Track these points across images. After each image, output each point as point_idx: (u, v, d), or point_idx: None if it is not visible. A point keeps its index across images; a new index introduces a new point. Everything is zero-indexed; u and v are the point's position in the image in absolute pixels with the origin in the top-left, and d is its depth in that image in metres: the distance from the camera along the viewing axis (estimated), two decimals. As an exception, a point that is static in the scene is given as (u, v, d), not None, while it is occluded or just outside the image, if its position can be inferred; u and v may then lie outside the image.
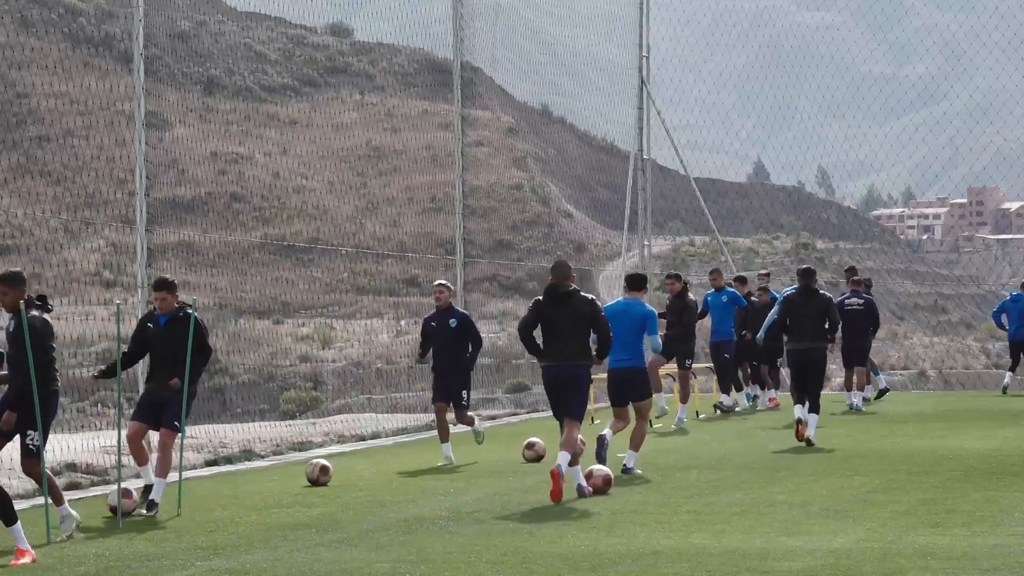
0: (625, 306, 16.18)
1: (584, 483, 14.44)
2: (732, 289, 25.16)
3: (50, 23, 63.45)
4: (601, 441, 15.65)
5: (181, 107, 52.42)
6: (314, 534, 12.32)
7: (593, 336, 14.71)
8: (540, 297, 14.67)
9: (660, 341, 16.93)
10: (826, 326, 19.12)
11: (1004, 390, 29.54)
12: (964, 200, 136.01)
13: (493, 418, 26.39)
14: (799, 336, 19.10)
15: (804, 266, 20.11)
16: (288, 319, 47.16)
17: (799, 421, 18.63)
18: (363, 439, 22.16)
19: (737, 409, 25.20)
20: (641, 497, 14.12)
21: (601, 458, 15.41)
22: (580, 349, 14.51)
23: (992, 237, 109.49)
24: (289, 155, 57.60)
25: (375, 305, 47.61)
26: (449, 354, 18.09)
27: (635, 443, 16.19)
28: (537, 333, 14.84)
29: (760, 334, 23.29)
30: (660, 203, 47.51)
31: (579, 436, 14.81)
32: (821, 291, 19.57)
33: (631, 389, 16.09)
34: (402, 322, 45.19)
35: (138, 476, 17.25)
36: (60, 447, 17.66)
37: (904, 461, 16.54)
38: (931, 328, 62.08)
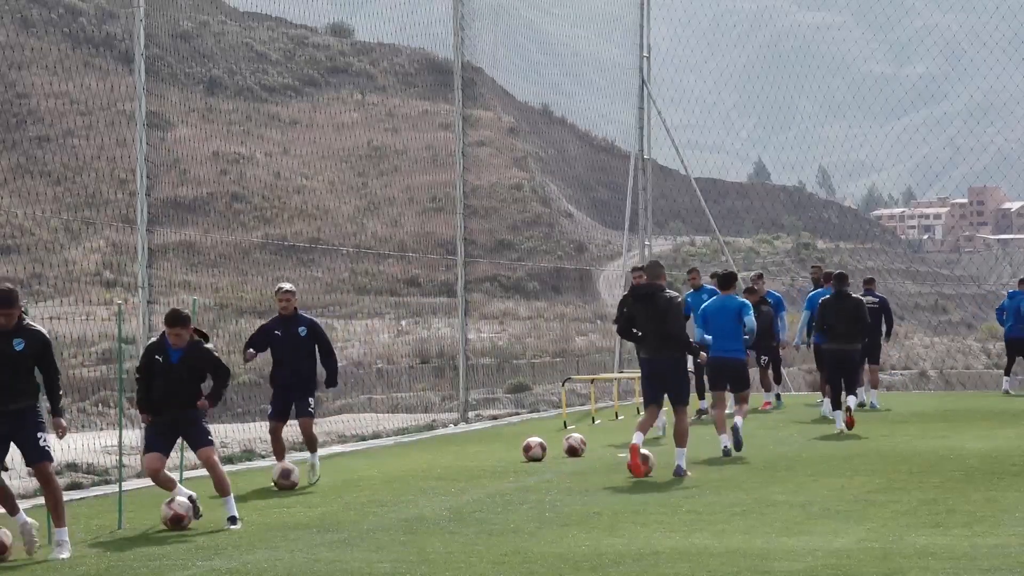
0: (723, 302, 18.21)
1: (683, 465, 15.87)
2: (711, 287, 24.54)
3: (50, 23, 63.46)
4: (735, 430, 17.73)
5: (183, 107, 52.42)
6: (314, 534, 12.32)
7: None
8: (627, 293, 16.55)
9: (754, 322, 18.36)
10: (857, 327, 20.60)
11: (1006, 393, 29.46)
12: (965, 200, 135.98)
13: (495, 418, 26.39)
14: (834, 337, 20.60)
15: (838, 271, 21.54)
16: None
17: (843, 417, 20.24)
18: (363, 439, 22.17)
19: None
20: (642, 497, 14.13)
21: (738, 443, 17.65)
22: (669, 342, 15.97)
23: (993, 237, 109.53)
24: (290, 155, 57.61)
25: (376, 305, 47.59)
26: (295, 366, 16.25)
27: (719, 427, 17.95)
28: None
29: (796, 338, 24.89)
30: (661, 203, 47.52)
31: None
32: (853, 294, 21.03)
33: (731, 377, 18.19)
34: (403, 322, 45.17)
35: (138, 476, 17.28)
36: (61, 447, 17.65)
37: (905, 461, 16.54)
38: (932, 328, 62.12)
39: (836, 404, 20.56)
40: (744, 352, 18.25)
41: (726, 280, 18.47)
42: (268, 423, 16.65)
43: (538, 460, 17.62)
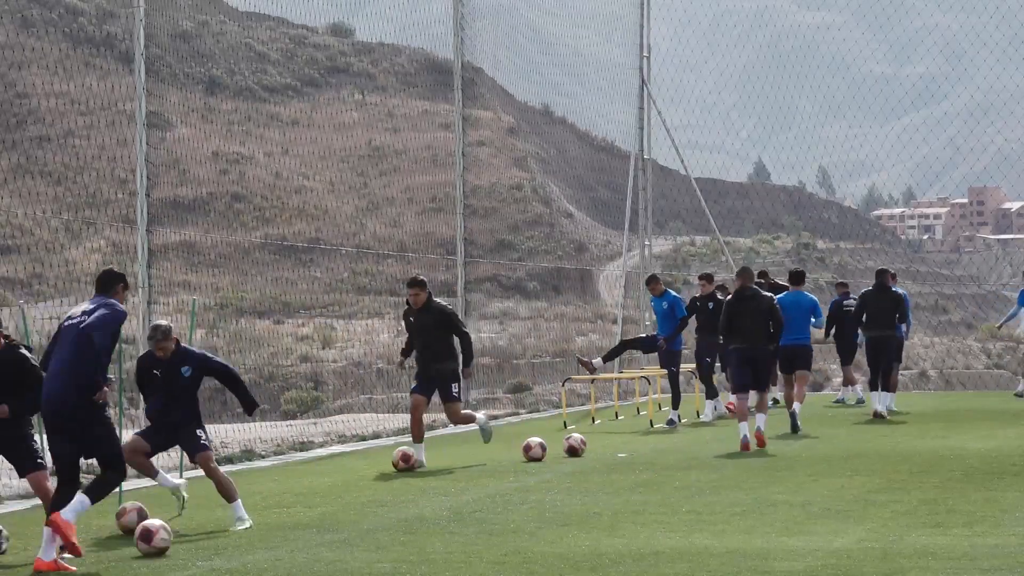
0: (795, 297, 21.80)
1: (764, 427, 18.62)
2: (674, 294, 23.43)
3: (50, 23, 63.46)
4: (793, 416, 20.60)
5: (183, 107, 52.42)
6: (314, 534, 12.31)
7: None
8: (730, 297, 19.58)
9: (824, 322, 23.08)
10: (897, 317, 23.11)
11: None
12: (965, 200, 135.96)
13: (495, 418, 26.38)
14: (873, 326, 22.86)
15: (881, 267, 24.16)
16: (289, 319, 47.13)
17: (876, 412, 22.66)
18: (364, 439, 22.16)
19: (703, 418, 23.70)
20: (641, 497, 14.12)
21: (795, 426, 20.39)
22: (762, 335, 18.90)
23: (993, 237, 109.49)
24: (290, 155, 57.61)
25: (376, 305, 47.57)
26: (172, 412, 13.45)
27: (789, 404, 21.09)
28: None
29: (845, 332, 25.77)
30: (661, 203, 47.52)
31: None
32: (893, 288, 23.32)
33: (797, 360, 21.42)
34: (403, 322, 45.13)
35: (138, 476, 17.25)
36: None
37: (905, 461, 16.54)
38: (932, 328, 62.07)
39: (874, 386, 22.95)
40: (809, 339, 21.75)
41: (797, 277, 22.24)
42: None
43: (538, 460, 17.61)
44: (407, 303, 17.99)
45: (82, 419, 11.11)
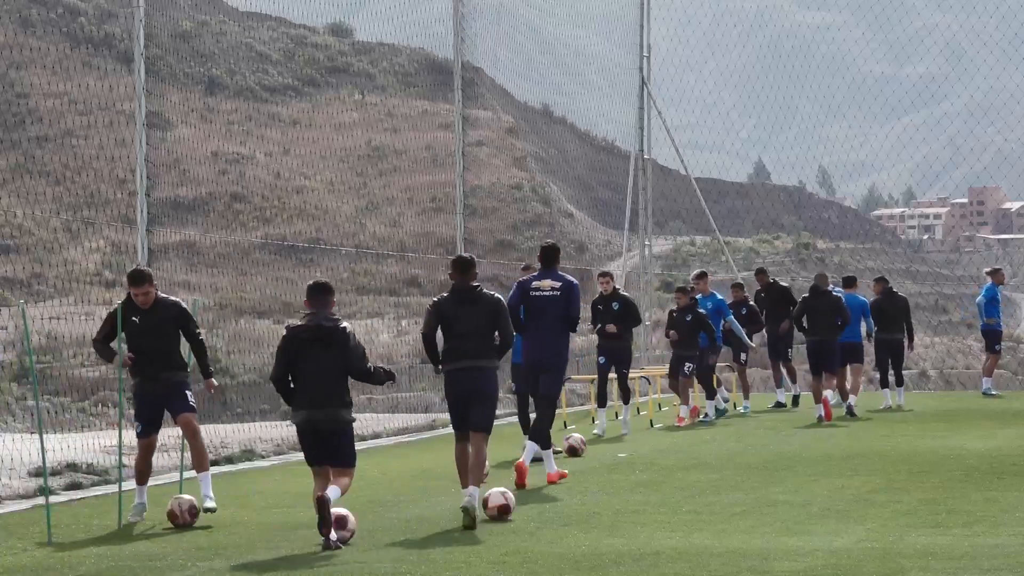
0: (848, 299, 24.10)
1: (822, 413, 22.26)
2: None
3: (50, 23, 63.48)
4: (849, 407, 23.36)
5: (182, 107, 52.40)
6: (314, 534, 12.30)
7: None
8: (807, 295, 23.15)
9: (873, 324, 24.99)
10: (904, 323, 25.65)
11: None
12: (965, 200, 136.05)
13: (495, 418, 26.30)
14: (884, 328, 25.18)
15: (879, 275, 27.21)
16: (289, 319, 47.07)
17: (887, 407, 24.92)
18: (363, 439, 22.12)
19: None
20: (642, 497, 14.12)
21: (850, 411, 23.21)
22: (832, 328, 22.67)
23: (993, 237, 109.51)
24: (290, 155, 57.59)
25: (376, 305, 47.54)
26: None
27: (844, 395, 23.75)
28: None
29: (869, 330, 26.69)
30: (661, 203, 47.52)
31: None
32: (900, 293, 26.04)
33: (848, 355, 23.93)
34: (403, 322, 45.14)
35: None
36: (60, 447, 17.65)
37: (905, 461, 16.54)
38: (932, 328, 62.08)
39: (885, 383, 25.41)
40: (861, 337, 24.56)
41: (850, 281, 25.15)
42: None
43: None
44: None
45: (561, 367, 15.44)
